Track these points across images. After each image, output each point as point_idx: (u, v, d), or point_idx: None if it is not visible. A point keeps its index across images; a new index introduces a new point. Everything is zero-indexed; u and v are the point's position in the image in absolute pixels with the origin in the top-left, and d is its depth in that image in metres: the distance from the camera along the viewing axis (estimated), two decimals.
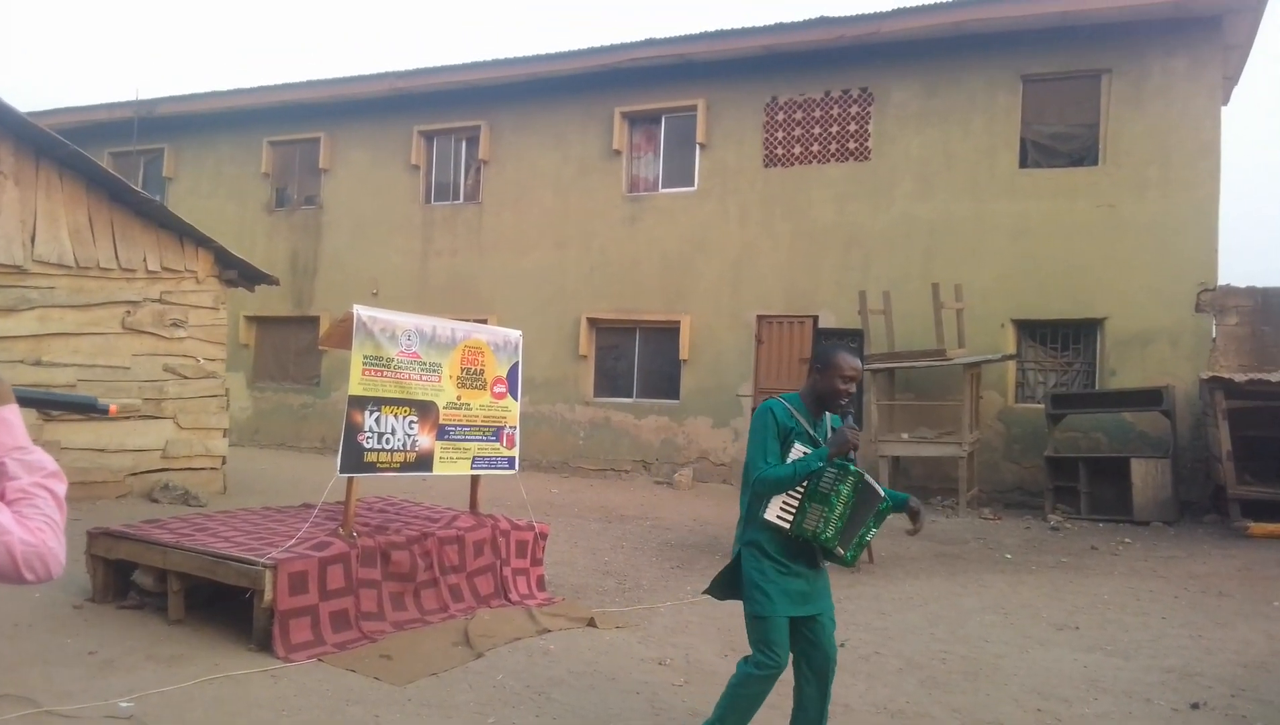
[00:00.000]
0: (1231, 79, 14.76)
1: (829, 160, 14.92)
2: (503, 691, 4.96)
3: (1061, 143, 13.95)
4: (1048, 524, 11.34)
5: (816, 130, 15.03)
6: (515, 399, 7.22)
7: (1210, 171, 12.99)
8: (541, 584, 7.03)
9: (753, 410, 3.94)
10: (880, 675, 5.50)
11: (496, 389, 7.05)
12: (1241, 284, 13.00)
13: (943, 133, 14.22)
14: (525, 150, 17.12)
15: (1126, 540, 10.27)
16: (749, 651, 3.87)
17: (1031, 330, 13.88)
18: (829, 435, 3.86)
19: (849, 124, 14.84)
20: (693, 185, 15.91)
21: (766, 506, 3.75)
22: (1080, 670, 5.66)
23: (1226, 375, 11.33)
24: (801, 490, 3.73)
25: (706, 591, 4.16)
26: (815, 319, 14.34)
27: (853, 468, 3.74)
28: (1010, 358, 13.53)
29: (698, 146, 15.79)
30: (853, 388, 3.86)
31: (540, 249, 16.84)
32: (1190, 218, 12.96)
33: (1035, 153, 13.99)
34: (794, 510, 3.75)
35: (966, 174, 14.08)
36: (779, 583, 3.78)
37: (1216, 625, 6.71)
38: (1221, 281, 12.90)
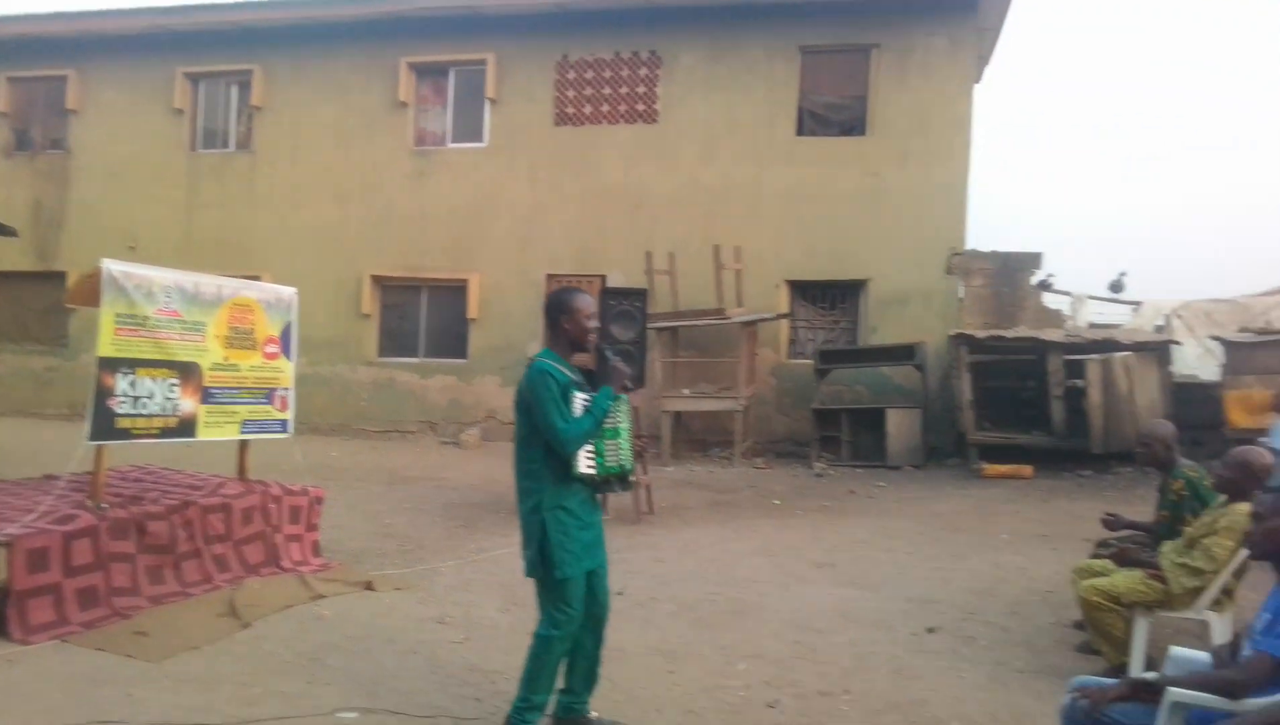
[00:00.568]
0: (984, 59, 16.05)
1: (619, 121, 15.08)
2: (271, 660, 4.82)
3: (835, 113, 14.75)
4: (813, 471, 12.13)
5: (607, 91, 15.13)
6: (290, 359, 6.92)
7: (963, 145, 14.13)
8: (316, 550, 6.82)
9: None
10: (655, 619, 5.75)
11: (268, 349, 6.73)
12: (986, 249, 14.30)
13: (727, 99, 14.67)
14: (303, 98, 16.21)
15: (881, 484, 11.18)
16: (531, 602, 3.91)
17: (803, 290, 14.68)
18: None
19: (638, 86, 15.03)
20: (482, 141, 15.65)
21: (575, 463, 3.81)
22: (834, 604, 6.14)
23: (970, 332, 12.47)
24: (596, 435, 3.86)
25: (530, 573, 3.97)
26: (604, 279, 14.53)
27: (624, 398, 3.94)
28: (784, 317, 14.28)
29: (488, 102, 15.53)
30: (597, 323, 4.05)
31: (320, 203, 16.06)
32: (944, 186, 14.07)
33: (811, 121, 14.72)
34: (594, 454, 3.86)
35: (748, 140, 14.62)
36: (579, 539, 3.88)
37: (953, 558, 7.46)
38: (969, 247, 14.12)
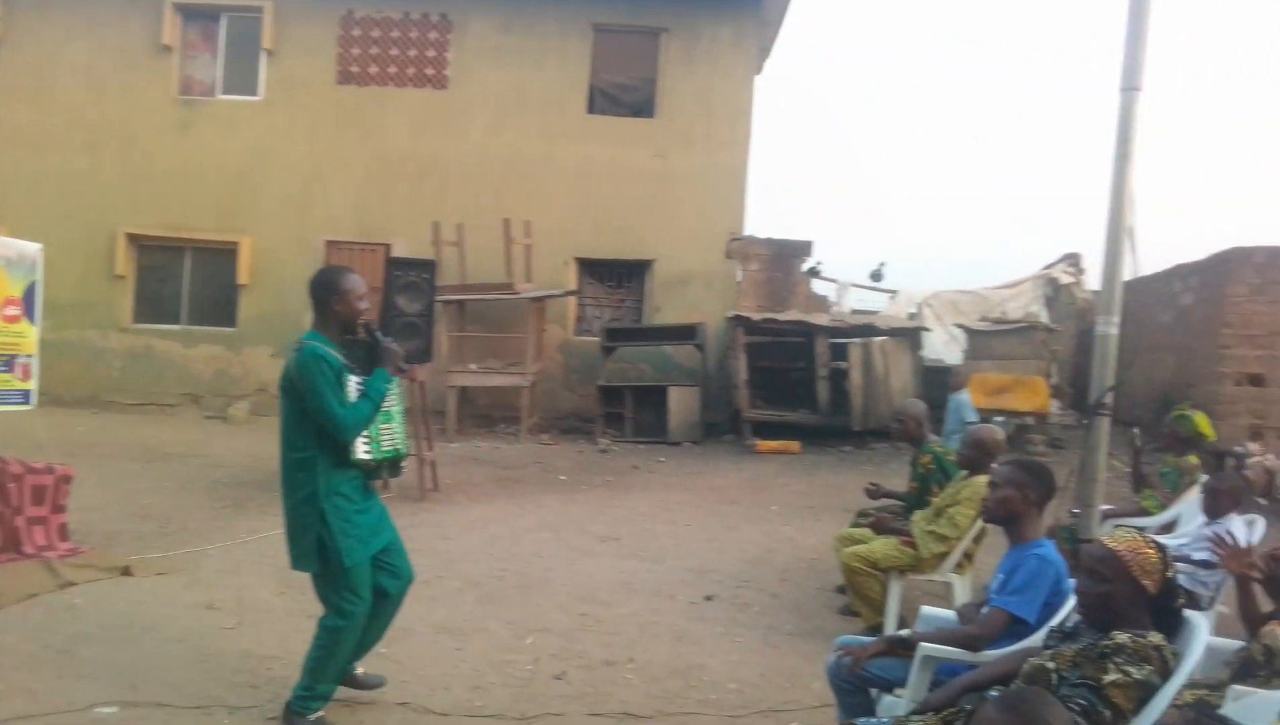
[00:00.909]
0: (765, 51, 16.74)
1: (406, 84, 14.59)
2: (15, 655, 4.38)
3: (625, 93, 14.95)
4: (598, 447, 12.36)
5: (394, 51, 14.59)
6: (33, 323, 6.27)
7: (744, 133, 14.74)
8: (64, 534, 6.22)
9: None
10: (441, 597, 5.68)
11: (8, 312, 6.08)
12: (761, 235, 15.02)
13: (518, 70, 14.53)
14: (49, 33, 14.56)
15: (661, 459, 11.57)
16: (302, 588, 3.74)
17: (592, 268, 14.86)
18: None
19: (427, 49, 14.59)
20: (257, 94, 14.69)
21: (353, 449, 3.69)
22: (618, 576, 6.31)
23: (746, 314, 13.09)
24: None
25: (296, 566, 3.81)
26: (388, 247, 14.07)
27: (396, 381, 3.94)
28: (572, 293, 14.41)
29: (264, 53, 14.57)
30: (367, 305, 3.89)
31: (67, 150, 14.51)
32: (726, 172, 14.62)
33: (602, 100, 14.86)
34: (370, 439, 3.76)
35: (539, 114, 14.56)
36: (360, 525, 3.75)
37: (728, 529, 7.85)
38: (747, 232, 14.77)
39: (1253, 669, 3.20)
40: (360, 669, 4.13)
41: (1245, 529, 4.97)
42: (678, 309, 14.28)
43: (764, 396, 13.13)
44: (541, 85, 14.58)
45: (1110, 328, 5.21)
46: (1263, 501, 8.66)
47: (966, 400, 10.03)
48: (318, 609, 3.86)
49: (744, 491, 9.54)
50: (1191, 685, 2.94)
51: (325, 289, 3.80)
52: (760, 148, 29.01)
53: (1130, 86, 5.16)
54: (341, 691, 4.03)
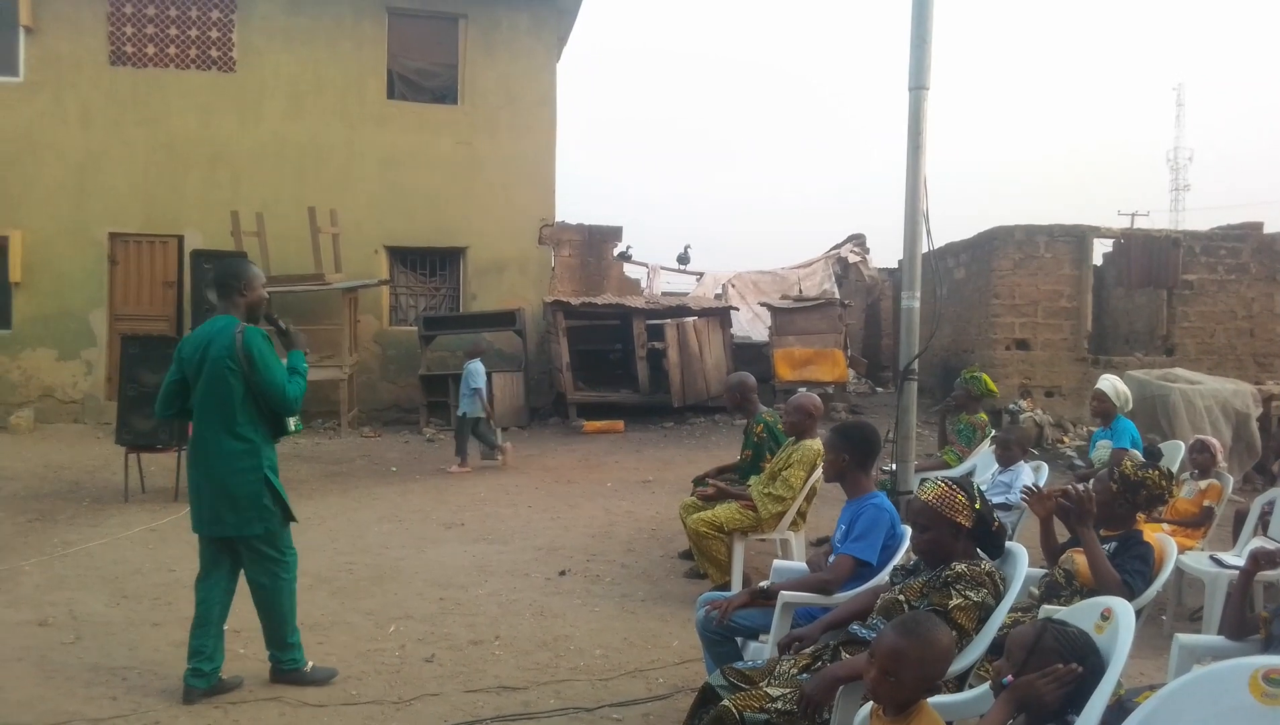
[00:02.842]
0: (563, 39, 16.92)
1: (189, 66, 13.76)
2: None
3: (426, 79, 14.75)
4: (424, 437, 12.25)
5: (173, 31, 13.71)
6: None
7: (548, 120, 14.91)
8: None
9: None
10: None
11: None
12: (573, 221, 15.27)
13: (312, 53, 14.04)
14: None
15: None
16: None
17: (403, 257, 14.62)
18: None
19: (210, 29, 13.81)
20: (17, 75, 13.42)
21: (290, 420, 4.11)
22: (471, 560, 6.40)
23: (565, 299, 13.32)
24: None
25: (234, 533, 4.07)
26: (181, 239, 13.27)
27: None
28: (384, 283, 14.13)
29: (22, 29, 13.30)
30: (266, 295, 4.24)
31: None
32: (534, 159, 14.76)
33: (402, 86, 14.60)
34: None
35: (337, 99, 14.14)
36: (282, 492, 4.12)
37: (568, 507, 8.07)
38: (558, 218, 14.98)
39: (1057, 590, 3.76)
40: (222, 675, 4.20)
41: (1033, 474, 5.72)
42: (494, 295, 14.32)
43: (586, 378, 13.43)
44: (338, 69, 14.15)
45: (914, 302, 5.80)
46: (1034, 451, 9.79)
47: (477, 368, 10.12)
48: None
49: (578, 471, 9.79)
50: (1010, 608, 3.43)
51: (235, 278, 4.04)
52: (567, 134, 29.23)
53: (918, 86, 5.75)
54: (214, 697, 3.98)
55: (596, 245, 15.23)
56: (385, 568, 6.20)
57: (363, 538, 7.00)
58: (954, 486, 3.22)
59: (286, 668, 4.23)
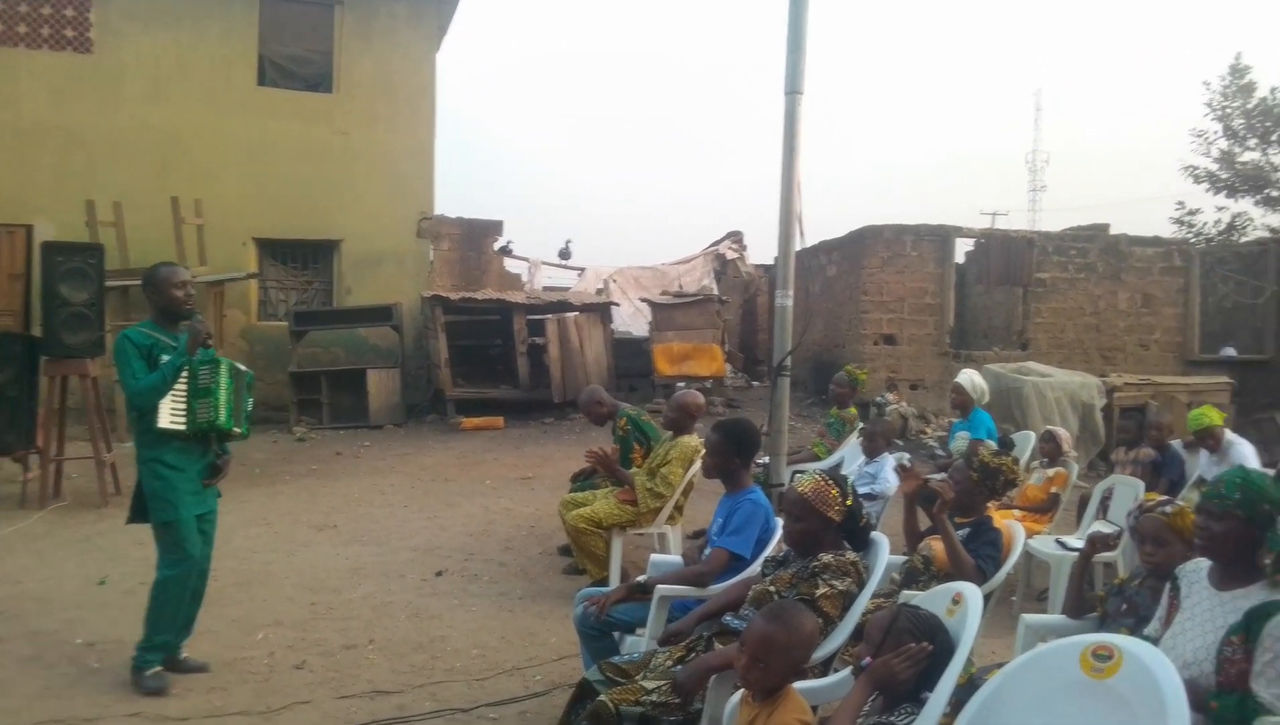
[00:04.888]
0: (442, 29, 16.65)
1: (40, 45, 12.93)
2: None
3: (299, 66, 14.28)
4: (294, 436, 11.88)
5: (23, 9, 12.86)
6: None
7: (428, 111, 14.66)
8: None
9: None
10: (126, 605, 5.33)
11: None
12: (452, 214, 15.06)
13: (176, 36, 13.41)
14: None
15: (366, 443, 11.37)
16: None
17: (273, 249, 14.12)
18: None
19: (64, 8, 13.02)
20: None
21: (157, 417, 4.06)
22: (343, 562, 6.26)
23: (444, 294, 13.13)
24: (184, 392, 4.12)
25: (130, 521, 4.34)
26: (30, 229, 12.47)
27: (220, 358, 4.29)
28: (253, 276, 13.62)
29: None
30: (189, 291, 4.30)
31: None
32: (412, 151, 14.47)
33: (274, 72, 14.09)
34: (184, 412, 4.12)
35: (203, 84, 13.55)
36: (180, 488, 4.16)
37: (446, 506, 7.98)
38: (437, 212, 14.74)
39: (916, 576, 3.95)
40: (185, 654, 4.42)
41: (895, 464, 5.96)
42: (370, 290, 13.98)
43: (465, 374, 13.26)
44: (204, 53, 13.55)
45: (787, 301, 5.97)
46: (899, 442, 10.20)
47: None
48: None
49: (456, 468, 9.68)
50: (871, 595, 3.58)
51: (144, 283, 4.30)
52: (447, 127, 28.78)
53: (793, 90, 5.92)
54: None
55: (476, 239, 15.05)
56: (253, 573, 6.00)
57: (229, 543, 6.70)
58: (829, 481, 3.35)
59: (134, 662, 4.25)
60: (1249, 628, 2.46)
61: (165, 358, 4.10)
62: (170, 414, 4.10)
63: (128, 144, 13.13)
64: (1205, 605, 2.65)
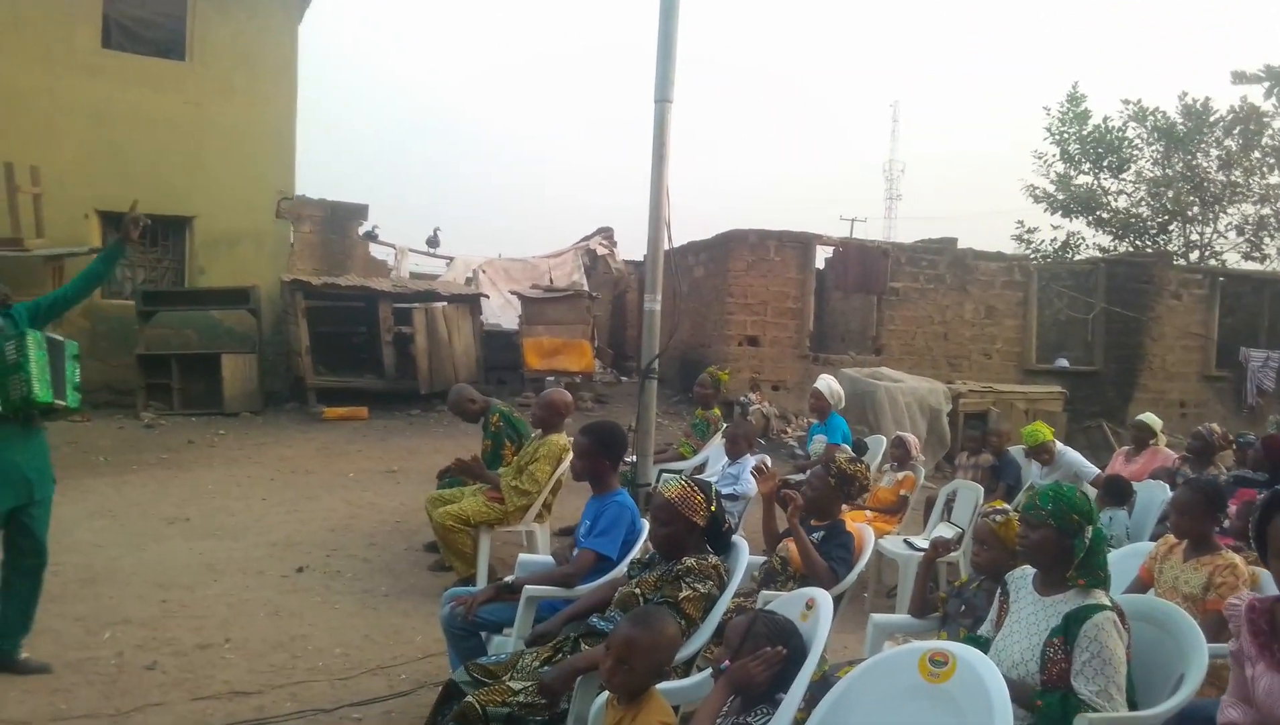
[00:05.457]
0: (304, 2, 16.05)
1: None
2: None
3: (147, 29, 13.56)
4: (142, 422, 11.32)
5: None
6: None
7: (289, 86, 14.18)
8: None
9: None
10: None
11: None
12: (315, 195, 14.60)
13: None
14: None
15: (221, 432, 10.94)
16: None
17: (117, 223, 13.26)
18: None
19: None
20: None
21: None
22: (197, 558, 6.05)
23: (305, 278, 12.73)
24: None
25: None
26: None
27: (28, 330, 4.08)
28: (95, 251, 12.81)
29: None
30: None
31: None
32: (271, 127, 13.97)
33: (119, 34, 13.33)
34: None
35: (40, 42, 12.72)
36: None
37: (307, 499, 7.80)
38: (299, 192, 14.27)
39: (774, 577, 4.15)
40: (25, 654, 4.27)
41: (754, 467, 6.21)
42: (225, 271, 13.42)
43: (326, 362, 12.91)
44: (40, 9, 12.71)
45: (655, 304, 6.12)
46: (762, 442, 10.56)
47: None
48: None
49: (317, 460, 9.44)
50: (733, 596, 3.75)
51: None
52: (309, 105, 27.78)
53: (663, 99, 6.06)
54: None
55: (340, 222, 14.64)
56: (98, 568, 5.74)
57: (70, 535, 6.38)
58: (694, 487, 3.50)
59: None
60: (1067, 630, 2.73)
61: None
62: None
63: None
64: (1030, 609, 2.91)
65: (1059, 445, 7.08)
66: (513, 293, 14.76)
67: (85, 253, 12.39)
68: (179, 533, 6.66)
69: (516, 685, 3.10)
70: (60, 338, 4.32)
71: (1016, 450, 7.43)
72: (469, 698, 3.04)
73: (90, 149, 12.80)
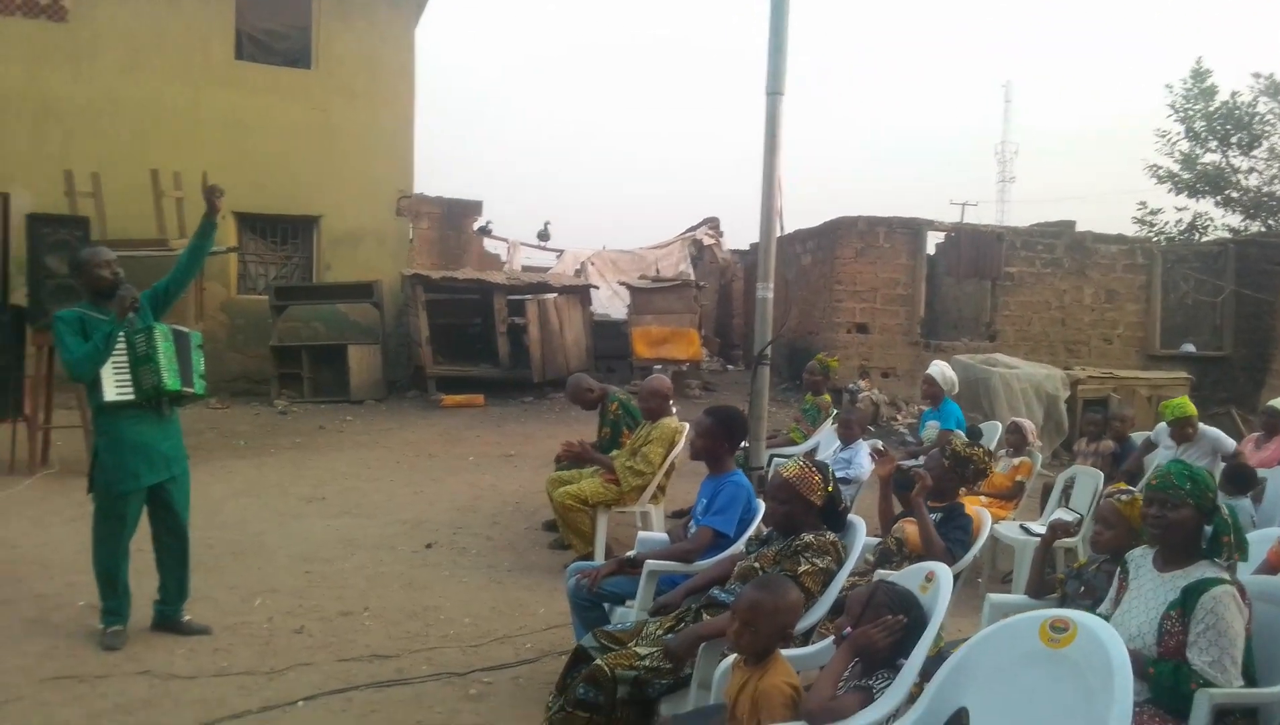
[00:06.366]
0: (421, 6, 16.62)
1: (15, 13, 12.83)
2: None
3: (276, 41, 14.26)
4: (276, 409, 11.99)
5: None
6: None
7: (408, 89, 14.71)
8: None
9: None
10: (150, 571, 5.49)
11: None
12: (432, 194, 15.13)
13: (151, 7, 13.36)
14: None
15: (349, 418, 11.50)
16: None
17: (252, 224, 14.14)
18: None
19: None
20: None
21: (101, 390, 4.23)
22: (335, 534, 6.44)
23: (425, 272, 13.24)
24: (125, 362, 4.28)
25: (90, 490, 4.47)
26: (6, 198, 12.35)
27: (156, 324, 4.40)
28: (233, 250, 13.62)
29: None
30: (114, 270, 4.40)
31: None
32: (391, 129, 14.53)
33: (251, 46, 14.07)
34: (129, 381, 4.29)
35: (180, 56, 13.51)
36: (128, 459, 4.33)
37: (431, 481, 8.17)
38: (416, 190, 14.81)
39: (890, 557, 4.21)
40: (188, 617, 4.68)
41: (868, 449, 6.24)
42: (349, 267, 14.05)
43: (444, 352, 13.40)
44: (180, 26, 13.50)
45: (767, 293, 6.23)
46: (871, 429, 10.51)
47: None
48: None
49: (439, 445, 9.85)
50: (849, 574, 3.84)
51: (71, 268, 4.63)
52: (427, 106, 28.66)
53: (775, 91, 6.14)
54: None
55: (456, 218, 15.14)
56: (246, 543, 6.17)
57: (219, 513, 6.90)
58: (812, 468, 3.60)
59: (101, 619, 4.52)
60: (1185, 602, 2.74)
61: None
62: (116, 386, 4.26)
63: (104, 115, 13.10)
64: (1149, 586, 2.93)
65: (1202, 425, 6.82)
66: (621, 283, 15.01)
67: (223, 252, 13.17)
68: (316, 511, 7.09)
69: (643, 650, 3.26)
70: (185, 329, 4.61)
71: (1138, 436, 7.23)
72: (598, 661, 3.21)
73: (226, 155, 13.54)
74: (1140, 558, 3.07)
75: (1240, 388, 14.43)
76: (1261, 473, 5.76)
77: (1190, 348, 14.95)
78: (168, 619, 4.63)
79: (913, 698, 2.53)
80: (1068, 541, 5.30)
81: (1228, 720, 2.68)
